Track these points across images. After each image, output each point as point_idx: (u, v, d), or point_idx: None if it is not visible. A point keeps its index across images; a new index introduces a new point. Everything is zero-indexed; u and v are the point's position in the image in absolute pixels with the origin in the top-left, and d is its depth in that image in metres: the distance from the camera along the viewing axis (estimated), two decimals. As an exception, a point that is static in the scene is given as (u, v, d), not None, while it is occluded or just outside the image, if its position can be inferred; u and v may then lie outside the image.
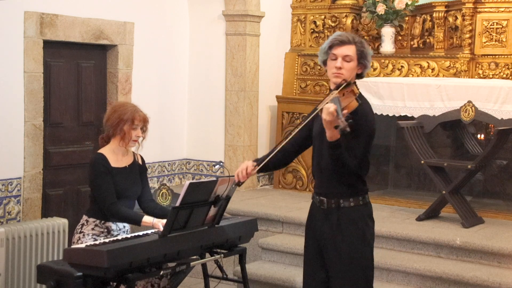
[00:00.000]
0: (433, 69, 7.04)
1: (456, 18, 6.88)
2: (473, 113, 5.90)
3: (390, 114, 6.35)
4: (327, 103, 3.53)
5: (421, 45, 7.33)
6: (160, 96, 7.16)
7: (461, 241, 5.48)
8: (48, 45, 6.02)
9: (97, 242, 3.96)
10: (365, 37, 7.58)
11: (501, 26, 6.63)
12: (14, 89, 5.74)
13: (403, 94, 6.28)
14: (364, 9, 7.63)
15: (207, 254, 4.38)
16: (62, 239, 5.70)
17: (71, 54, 6.32)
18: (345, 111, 3.38)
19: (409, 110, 6.27)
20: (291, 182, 7.59)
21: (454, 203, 6.06)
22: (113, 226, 4.36)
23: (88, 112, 6.51)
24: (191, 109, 7.63)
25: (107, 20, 6.51)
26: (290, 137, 3.75)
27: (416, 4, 7.34)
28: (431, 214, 6.25)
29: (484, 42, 6.70)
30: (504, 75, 6.59)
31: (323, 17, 7.75)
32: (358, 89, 3.75)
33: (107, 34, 6.52)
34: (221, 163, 5.08)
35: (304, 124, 3.71)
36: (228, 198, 4.27)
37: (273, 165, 4.03)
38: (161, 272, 4.00)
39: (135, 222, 4.27)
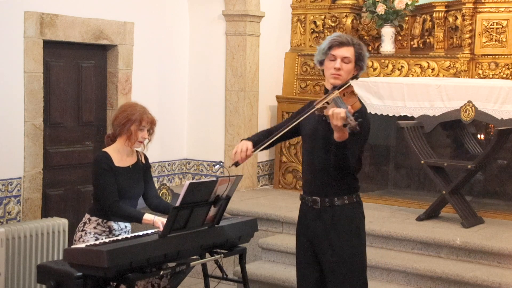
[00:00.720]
0: (433, 69, 7.04)
1: (456, 18, 6.88)
2: (473, 113, 5.90)
3: (390, 114, 6.35)
4: (326, 102, 3.55)
5: (421, 45, 7.33)
6: (160, 96, 7.16)
7: (461, 241, 5.48)
8: (48, 45, 6.02)
9: (97, 242, 3.96)
10: (365, 37, 7.58)
11: (501, 26, 6.63)
12: (14, 89, 5.74)
13: (403, 94, 6.28)
14: (364, 9, 7.64)
15: (207, 254, 4.38)
16: (62, 239, 5.70)
17: (71, 54, 6.32)
18: (351, 111, 3.40)
19: (409, 110, 6.27)
20: (291, 182, 7.59)
21: (454, 203, 6.06)
22: (115, 225, 4.36)
23: (88, 112, 6.51)
24: (191, 109, 7.63)
25: (107, 20, 6.51)
26: (288, 128, 3.74)
27: (416, 4, 7.34)
28: (431, 214, 6.25)
29: (484, 42, 6.70)
30: (504, 75, 6.59)
31: (323, 17, 7.75)
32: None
33: (107, 34, 6.52)
34: (221, 163, 5.08)
35: (302, 118, 3.70)
36: (228, 198, 4.27)
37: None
38: (161, 272, 4.00)
39: (136, 220, 4.28)
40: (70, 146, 6.34)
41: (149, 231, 4.29)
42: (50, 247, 5.63)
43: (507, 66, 6.61)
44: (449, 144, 7.22)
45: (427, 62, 7.09)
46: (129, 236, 4.20)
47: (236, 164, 3.87)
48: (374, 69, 7.22)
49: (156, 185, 6.87)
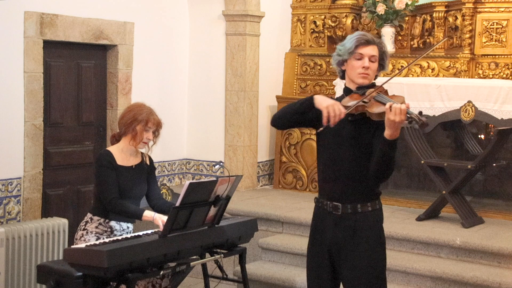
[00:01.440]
0: (433, 69, 7.04)
1: (456, 18, 6.88)
2: (473, 113, 5.90)
3: (390, 114, 6.34)
4: (364, 101, 3.38)
5: (421, 45, 7.33)
6: (160, 96, 7.16)
7: (461, 241, 5.48)
8: (48, 45, 6.02)
9: (97, 242, 3.96)
10: (365, 37, 7.57)
11: (501, 26, 6.63)
12: (14, 89, 5.74)
13: (403, 94, 6.25)
14: (364, 9, 7.64)
15: (207, 254, 4.38)
16: (62, 239, 5.70)
17: (71, 54, 6.32)
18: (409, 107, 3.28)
19: (409, 110, 6.26)
20: (291, 182, 7.59)
21: (454, 203, 6.06)
22: (116, 226, 4.36)
23: (88, 112, 6.51)
24: (191, 109, 7.64)
25: (107, 20, 6.51)
26: (354, 106, 3.41)
27: (416, 4, 7.34)
28: (431, 214, 6.25)
29: (484, 42, 6.70)
30: (504, 75, 6.59)
31: (323, 17, 7.75)
32: None
33: (107, 34, 6.52)
34: (221, 163, 5.08)
35: (349, 110, 3.40)
36: (228, 198, 4.27)
37: (284, 122, 3.76)
38: (161, 272, 4.00)
39: (136, 216, 4.28)
40: (70, 146, 6.34)
41: (149, 231, 4.29)
42: (50, 247, 5.63)
43: (507, 66, 6.61)
44: (449, 144, 7.22)
45: (427, 62, 7.09)
46: (129, 236, 4.21)
47: (327, 127, 3.41)
48: (374, 69, 7.22)
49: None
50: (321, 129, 3.46)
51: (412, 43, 7.41)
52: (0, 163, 5.65)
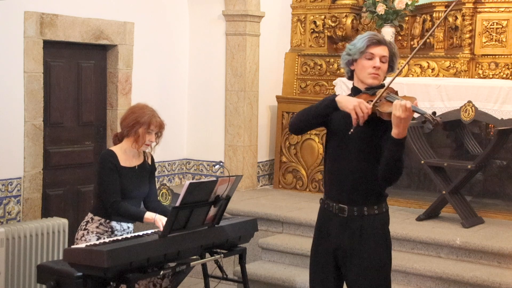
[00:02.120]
0: (433, 69, 7.04)
1: (456, 18, 6.88)
2: (473, 113, 5.90)
3: (390, 114, 6.34)
4: (375, 101, 3.37)
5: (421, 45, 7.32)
6: (160, 96, 7.16)
7: (461, 241, 5.48)
8: (48, 45, 6.02)
9: (97, 242, 3.96)
10: (365, 37, 7.57)
11: (501, 26, 6.63)
12: (14, 89, 5.74)
13: (403, 94, 6.27)
14: (364, 9, 7.64)
15: (207, 254, 4.38)
16: (62, 239, 5.70)
17: (71, 54, 6.32)
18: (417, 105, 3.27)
19: (409, 110, 6.25)
20: (291, 182, 7.59)
21: (454, 203, 6.06)
22: (117, 226, 4.36)
23: (88, 112, 6.51)
24: (191, 109, 7.64)
25: (107, 20, 6.51)
26: (379, 96, 3.37)
27: (416, 4, 7.34)
28: (431, 214, 6.25)
29: (484, 42, 6.70)
30: (504, 75, 6.59)
31: (323, 17, 7.75)
32: None
33: (107, 34, 6.52)
34: (221, 163, 5.08)
35: (374, 102, 3.36)
36: (228, 198, 4.27)
37: (304, 126, 3.64)
38: (161, 272, 4.00)
39: (138, 218, 4.28)
40: (70, 146, 6.34)
41: (149, 231, 4.29)
42: (50, 247, 5.63)
43: (507, 66, 6.61)
44: (449, 144, 7.22)
45: (427, 62, 7.09)
46: (129, 236, 4.21)
47: (357, 126, 3.38)
48: (374, 69, 7.22)
49: (156, 185, 6.88)
50: (351, 131, 3.41)
51: (412, 43, 7.41)
52: (0, 163, 5.65)
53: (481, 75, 6.69)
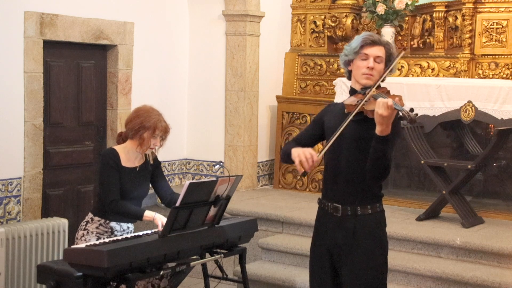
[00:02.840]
0: (433, 69, 7.04)
1: (456, 18, 6.88)
2: (473, 113, 5.90)
3: (390, 114, 6.34)
4: (365, 101, 3.41)
5: (421, 45, 7.33)
6: (160, 96, 7.16)
7: (461, 241, 5.48)
8: (48, 45, 6.02)
9: (97, 242, 3.96)
10: (365, 37, 7.57)
11: (501, 26, 6.63)
12: (14, 89, 5.73)
13: (403, 94, 6.21)
14: (364, 9, 7.64)
15: (207, 254, 4.38)
16: (62, 239, 5.70)
17: (71, 54, 6.32)
18: (399, 103, 3.30)
19: (409, 110, 6.25)
20: (291, 182, 7.59)
21: (454, 203, 6.06)
22: (117, 227, 4.36)
23: (88, 112, 6.51)
24: (191, 109, 7.64)
25: (107, 20, 6.51)
26: (342, 127, 3.45)
27: (416, 4, 7.34)
28: (431, 214, 6.25)
29: (484, 42, 6.70)
30: (504, 75, 6.59)
31: (323, 17, 7.75)
32: None
33: (107, 34, 6.52)
34: (221, 163, 5.08)
35: (346, 123, 3.45)
36: (228, 198, 4.27)
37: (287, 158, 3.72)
38: (161, 272, 4.00)
39: (137, 217, 4.28)
40: (70, 146, 6.34)
41: (149, 231, 4.29)
42: (50, 247, 5.62)
43: (507, 66, 6.61)
44: (449, 144, 7.22)
45: (427, 62, 7.09)
46: (129, 236, 4.21)
47: (305, 173, 3.50)
48: (374, 69, 7.22)
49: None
50: (298, 177, 3.54)
51: (412, 43, 7.41)
52: (0, 163, 5.64)
53: (481, 75, 6.69)
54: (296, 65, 7.89)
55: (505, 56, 6.62)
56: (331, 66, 7.67)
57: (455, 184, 6.06)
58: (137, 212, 4.27)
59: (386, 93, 3.53)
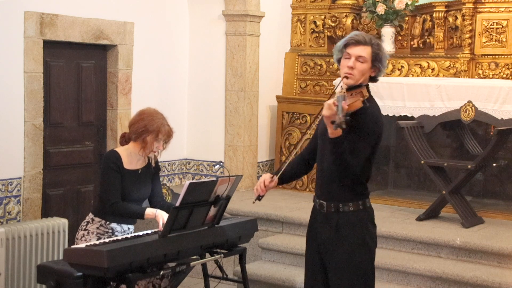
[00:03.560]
0: (433, 69, 7.04)
1: (456, 18, 6.88)
2: (473, 113, 5.90)
3: (390, 114, 6.35)
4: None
5: (421, 45, 7.33)
6: (160, 96, 7.16)
7: (461, 241, 5.48)
8: (48, 45, 6.02)
9: (97, 242, 3.96)
10: (365, 37, 7.57)
11: (501, 26, 6.63)
12: (14, 89, 5.74)
13: (403, 94, 6.28)
14: (364, 9, 7.64)
15: (207, 254, 4.38)
16: (62, 239, 5.70)
17: (71, 54, 6.32)
18: (345, 108, 3.33)
19: (409, 110, 6.27)
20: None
21: (454, 203, 6.06)
22: (117, 228, 4.36)
23: (88, 112, 6.51)
24: (191, 109, 7.64)
25: (107, 20, 6.51)
26: (301, 143, 3.71)
27: (416, 4, 7.34)
28: (431, 214, 6.25)
29: (484, 42, 6.70)
30: (504, 75, 6.60)
31: (323, 17, 7.75)
32: (369, 92, 3.66)
33: (107, 34, 6.52)
34: (221, 163, 5.08)
35: (311, 127, 3.65)
36: (228, 198, 4.27)
37: (293, 173, 3.97)
38: (161, 272, 4.00)
39: (138, 216, 4.28)
40: (70, 146, 6.34)
41: (149, 231, 4.29)
42: (50, 247, 5.63)
43: (507, 66, 6.61)
44: (449, 144, 7.22)
45: (427, 62, 7.09)
46: (129, 236, 4.20)
47: (259, 197, 3.88)
48: (374, 69, 7.22)
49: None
50: (253, 201, 3.96)
51: (412, 43, 7.41)
52: (0, 163, 5.64)
53: (481, 75, 6.69)
54: (296, 65, 7.89)
55: (505, 56, 6.63)
56: (331, 66, 7.67)
57: (455, 184, 6.06)
58: (138, 211, 4.27)
59: (358, 93, 3.52)
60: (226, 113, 7.44)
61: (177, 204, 3.93)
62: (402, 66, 7.21)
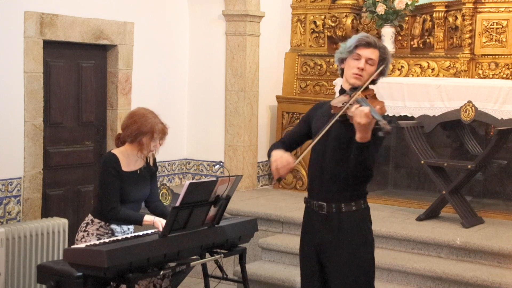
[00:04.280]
0: (433, 69, 7.04)
1: (456, 18, 6.88)
2: (473, 113, 5.90)
3: (390, 114, 6.35)
4: (349, 104, 3.43)
5: (421, 45, 7.33)
6: (160, 96, 7.16)
7: (461, 241, 5.48)
8: (48, 45, 6.02)
9: (97, 242, 3.96)
10: (365, 37, 7.57)
11: (501, 26, 6.63)
12: (14, 89, 5.74)
13: (403, 94, 6.28)
14: (364, 9, 7.64)
15: (207, 254, 4.38)
16: (62, 239, 5.70)
17: (71, 54, 6.32)
18: (380, 111, 3.32)
19: (409, 110, 6.27)
20: (291, 182, 7.59)
21: (454, 203, 6.06)
22: (117, 228, 4.35)
23: (88, 112, 6.51)
24: (191, 109, 7.64)
25: (107, 20, 6.51)
26: (321, 134, 3.52)
27: (416, 4, 7.34)
28: (431, 214, 6.25)
29: (484, 42, 6.70)
30: (504, 75, 6.59)
31: (323, 17, 7.75)
32: None
33: (107, 34, 6.52)
34: (221, 163, 5.09)
35: (331, 124, 3.50)
36: (228, 198, 4.27)
37: None
38: (161, 272, 4.00)
39: (137, 222, 4.28)
40: (70, 146, 6.34)
41: (149, 231, 4.29)
42: (50, 247, 5.63)
43: (507, 66, 6.61)
44: (449, 144, 7.22)
45: (427, 62, 7.09)
46: (129, 236, 4.21)
47: (280, 179, 3.60)
48: (374, 69, 7.22)
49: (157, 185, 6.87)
50: (274, 182, 3.64)
51: (412, 43, 7.41)
52: (0, 163, 5.64)
53: (481, 75, 6.69)
54: (296, 65, 7.89)
55: (505, 56, 6.62)
56: (331, 66, 7.67)
57: (455, 184, 6.06)
58: (136, 218, 4.27)
59: (372, 96, 3.55)
60: (226, 113, 7.45)
61: (177, 204, 3.93)
62: (402, 66, 7.21)
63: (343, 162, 3.55)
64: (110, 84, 6.71)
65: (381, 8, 7.29)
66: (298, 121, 7.51)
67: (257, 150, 7.59)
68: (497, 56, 6.66)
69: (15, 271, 5.38)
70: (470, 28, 6.70)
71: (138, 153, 4.30)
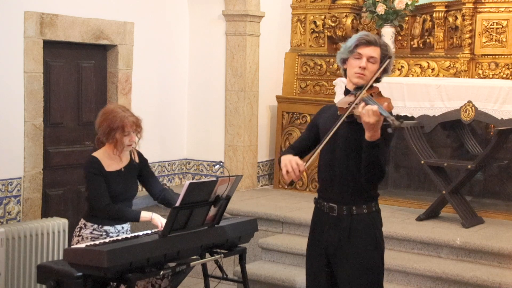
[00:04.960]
0: (433, 69, 7.04)
1: (456, 18, 6.89)
2: (473, 113, 5.90)
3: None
4: (355, 104, 3.41)
5: (421, 45, 7.33)
6: (160, 96, 7.16)
7: (461, 241, 5.48)
8: (48, 45, 6.02)
9: (97, 242, 3.95)
10: (365, 37, 7.57)
11: (501, 26, 6.64)
12: (14, 89, 5.74)
13: (403, 94, 6.28)
14: (364, 9, 7.64)
15: (207, 254, 4.37)
16: (62, 239, 5.70)
17: (71, 54, 6.32)
18: (387, 109, 3.30)
19: (409, 110, 6.26)
20: (301, 185, 7.56)
21: (454, 203, 6.06)
22: (111, 229, 4.34)
23: (88, 112, 6.50)
24: (191, 109, 7.63)
25: (107, 20, 6.51)
26: (329, 136, 3.48)
27: (416, 4, 7.34)
28: (431, 214, 6.25)
29: (484, 42, 6.70)
30: (504, 75, 6.60)
31: (323, 17, 7.75)
32: None
33: (107, 34, 6.52)
34: (221, 163, 5.08)
35: (336, 127, 3.48)
36: (228, 198, 4.27)
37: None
38: (161, 272, 4.00)
39: (133, 219, 4.27)
40: (70, 146, 6.34)
41: (149, 231, 4.29)
42: (50, 247, 5.63)
43: (507, 66, 6.61)
44: (449, 144, 7.22)
45: (427, 62, 7.09)
46: (129, 236, 4.20)
47: (292, 183, 3.56)
48: (374, 69, 7.22)
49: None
50: (286, 186, 3.60)
51: (412, 43, 7.41)
52: (0, 163, 5.65)
53: (481, 75, 6.69)
54: (296, 65, 7.89)
55: (505, 56, 6.63)
56: (331, 66, 7.67)
57: (455, 184, 6.06)
58: (133, 215, 4.26)
59: (377, 94, 3.53)
60: (226, 113, 7.45)
61: (177, 204, 3.93)
62: (402, 66, 7.21)
63: (354, 163, 3.52)
64: (110, 84, 6.71)
65: (381, 8, 7.29)
66: (298, 121, 7.57)
67: (257, 150, 7.60)
68: (497, 56, 6.66)
69: (15, 271, 5.38)
70: (470, 28, 6.70)
71: (114, 150, 4.27)
